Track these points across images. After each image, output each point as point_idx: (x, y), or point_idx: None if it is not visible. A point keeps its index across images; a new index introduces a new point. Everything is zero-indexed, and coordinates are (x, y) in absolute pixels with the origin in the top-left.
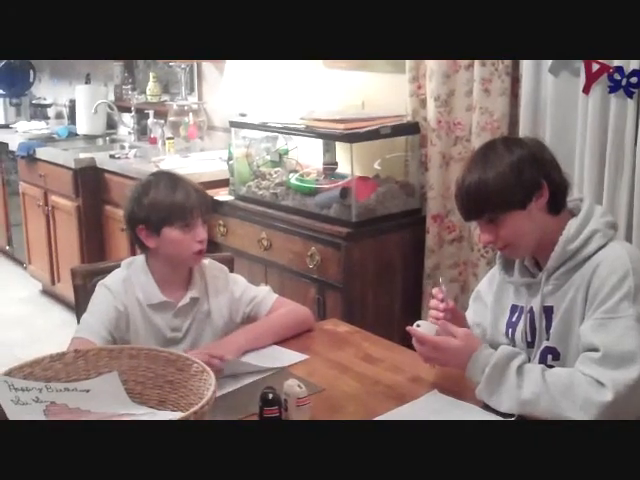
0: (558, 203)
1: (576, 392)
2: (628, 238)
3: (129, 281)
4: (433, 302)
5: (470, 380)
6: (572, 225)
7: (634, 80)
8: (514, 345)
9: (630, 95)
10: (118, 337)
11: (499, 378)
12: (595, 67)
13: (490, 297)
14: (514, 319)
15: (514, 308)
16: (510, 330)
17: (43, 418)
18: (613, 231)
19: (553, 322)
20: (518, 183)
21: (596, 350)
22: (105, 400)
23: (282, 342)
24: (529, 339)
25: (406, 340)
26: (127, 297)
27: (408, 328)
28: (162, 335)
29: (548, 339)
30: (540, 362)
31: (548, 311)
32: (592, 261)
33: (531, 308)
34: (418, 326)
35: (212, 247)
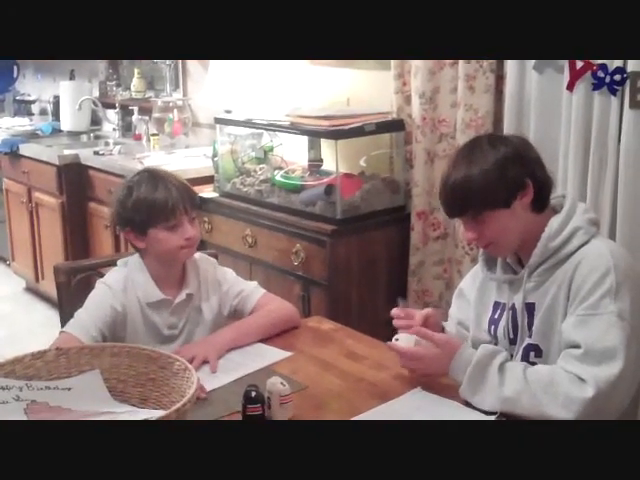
0: (542, 201)
1: (557, 389)
2: (612, 235)
3: (129, 279)
4: (398, 322)
5: (454, 380)
6: (554, 222)
7: (617, 78)
8: (496, 342)
9: (614, 92)
10: (111, 337)
11: (481, 377)
12: (579, 65)
13: (473, 294)
14: (496, 316)
15: (497, 305)
16: (492, 327)
17: (24, 417)
18: (595, 228)
19: (535, 319)
20: (502, 181)
21: (577, 347)
22: (86, 398)
23: (266, 339)
24: (511, 336)
25: (390, 338)
26: (127, 296)
27: (388, 344)
28: (160, 333)
29: (530, 336)
30: (522, 359)
31: (530, 308)
32: (574, 258)
33: (513, 305)
34: (397, 340)
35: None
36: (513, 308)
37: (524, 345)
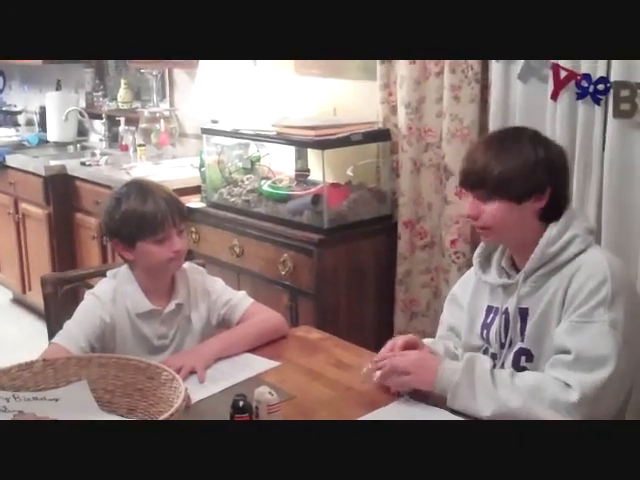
0: (551, 214)
1: (544, 394)
2: (597, 242)
3: (118, 291)
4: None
5: (442, 393)
6: (553, 229)
7: (601, 87)
8: (488, 346)
9: (597, 102)
10: (100, 348)
11: (472, 383)
12: (563, 74)
13: (467, 298)
14: (489, 320)
15: (489, 309)
16: (485, 331)
17: None
18: (592, 237)
19: (528, 324)
20: (525, 179)
21: (568, 353)
22: (74, 409)
23: (254, 349)
24: (503, 340)
25: (378, 346)
26: (116, 307)
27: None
28: (150, 343)
29: (523, 341)
30: (513, 363)
31: (523, 313)
32: (570, 266)
33: (506, 309)
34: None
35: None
36: (506, 312)
37: (515, 349)
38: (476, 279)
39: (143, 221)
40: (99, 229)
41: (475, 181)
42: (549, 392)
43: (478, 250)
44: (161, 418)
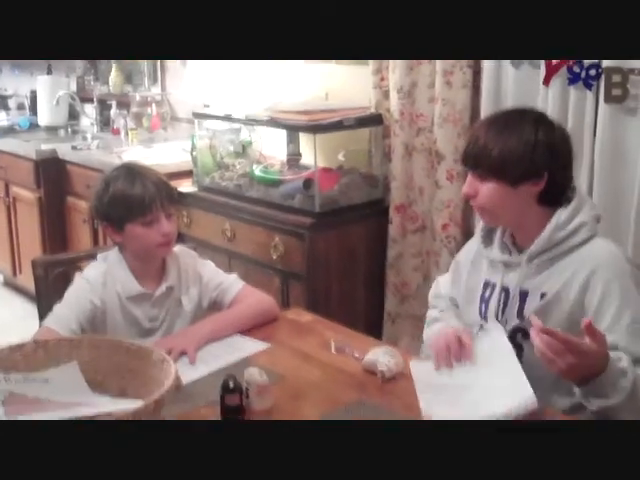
0: (550, 198)
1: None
2: None
3: (109, 274)
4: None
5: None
6: (562, 214)
7: (593, 72)
8: (484, 322)
9: (589, 87)
10: (91, 330)
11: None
12: (555, 60)
13: (467, 267)
14: (487, 295)
15: (487, 284)
16: (483, 306)
17: (1, 409)
18: (598, 225)
19: (526, 306)
20: (522, 162)
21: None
22: (65, 390)
23: (245, 331)
24: (499, 318)
25: (369, 329)
26: (106, 291)
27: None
28: (141, 326)
29: (521, 321)
30: (509, 339)
31: (523, 294)
32: (579, 254)
33: (506, 287)
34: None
35: (176, 238)
36: (506, 290)
37: (512, 327)
38: (477, 251)
39: (131, 203)
40: (90, 213)
41: (474, 160)
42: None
43: (482, 224)
44: (151, 399)
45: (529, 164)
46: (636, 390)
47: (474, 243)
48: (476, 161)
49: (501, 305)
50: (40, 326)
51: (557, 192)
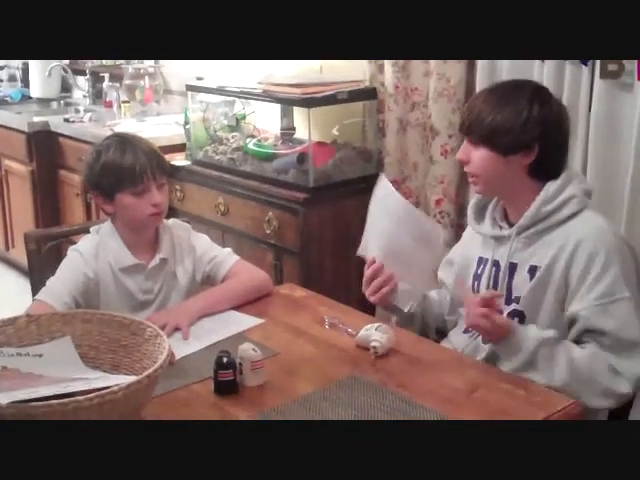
0: (541, 171)
1: (597, 382)
2: None
3: (101, 246)
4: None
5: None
6: (550, 187)
7: None
8: None
9: (585, 63)
10: (85, 303)
11: (550, 354)
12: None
13: (458, 251)
14: (479, 271)
15: (480, 260)
16: (476, 282)
17: None
18: (588, 199)
19: (514, 279)
20: (514, 133)
21: (602, 334)
22: (58, 365)
23: (239, 306)
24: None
25: (362, 304)
26: (99, 263)
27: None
28: (134, 298)
29: (512, 298)
30: None
31: (512, 268)
32: (566, 228)
33: (497, 262)
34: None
35: (169, 212)
36: (497, 265)
37: (509, 310)
38: (469, 231)
39: (121, 172)
40: (83, 186)
41: (468, 126)
42: (602, 379)
43: (473, 201)
44: (145, 374)
45: (519, 136)
46: (580, 364)
47: (466, 232)
48: (470, 128)
49: (492, 279)
50: (33, 300)
51: (549, 166)
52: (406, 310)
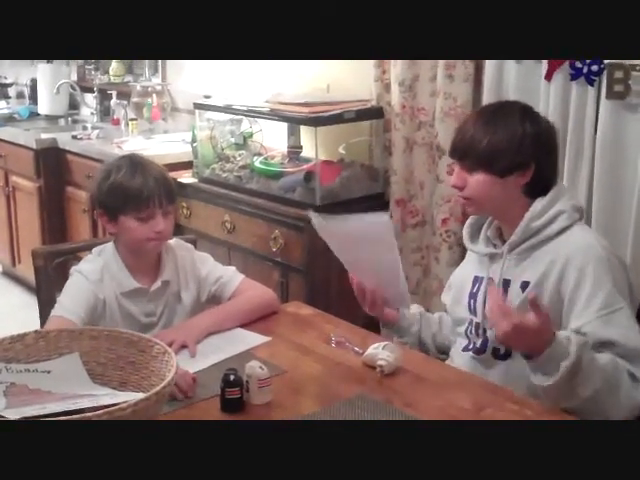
0: (535, 189)
1: (617, 384)
2: (587, 223)
3: (106, 270)
4: None
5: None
6: (538, 204)
7: (595, 68)
8: (474, 317)
9: (591, 83)
10: (91, 323)
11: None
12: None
13: (455, 272)
14: (475, 289)
15: (476, 279)
16: (472, 301)
17: (3, 399)
18: (578, 215)
19: (508, 295)
20: (509, 154)
21: (611, 344)
22: (66, 381)
23: (245, 324)
24: (486, 309)
25: (369, 323)
26: (103, 287)
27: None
28: (137, 322)
29: None
30: None
31: (506, 284)
32: (557, 243)
33: (491, 279)
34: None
35: (175, 230)
36: (491, 282)
37: None
38: (469, 252)
39: (128, 195)
40: (90, 203)
41: (462, 151)
42: (623, 382)
43: (470, 221)
44: (153, 391)
45: (517, 155)
46: (594, 373)
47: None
48: (464, 153)
49: (487, 297)
50: (50, 317)
51: (543, 184)
52: (408, 309)
